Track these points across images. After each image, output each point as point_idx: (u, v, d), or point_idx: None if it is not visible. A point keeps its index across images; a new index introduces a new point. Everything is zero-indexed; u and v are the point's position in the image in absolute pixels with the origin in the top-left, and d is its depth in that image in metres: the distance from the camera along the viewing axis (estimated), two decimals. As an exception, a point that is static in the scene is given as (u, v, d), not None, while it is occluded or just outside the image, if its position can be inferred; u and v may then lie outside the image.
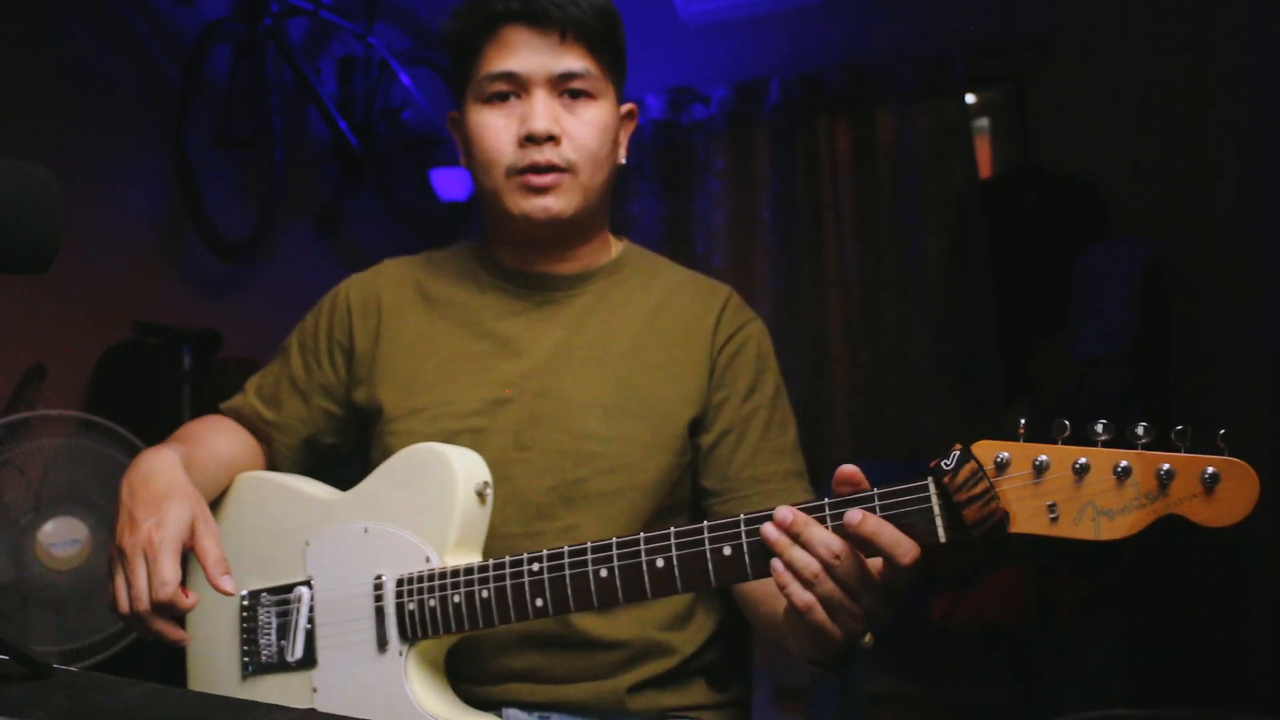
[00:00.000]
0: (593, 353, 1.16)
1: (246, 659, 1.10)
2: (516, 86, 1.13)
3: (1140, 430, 0.73)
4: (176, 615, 0.97)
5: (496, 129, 1.13)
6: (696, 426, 1.17)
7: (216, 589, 0.97)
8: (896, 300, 3.46)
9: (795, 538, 0.83)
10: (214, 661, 1.15)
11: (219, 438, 1.21)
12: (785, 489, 1.15)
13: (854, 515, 0.81)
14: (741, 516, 0.87)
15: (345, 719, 0.80)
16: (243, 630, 1.11)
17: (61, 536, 2.00)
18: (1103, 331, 2.78)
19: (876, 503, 0.82)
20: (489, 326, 1.19)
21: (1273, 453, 2.80)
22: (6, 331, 2.29)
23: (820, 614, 0.83)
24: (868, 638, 0.92)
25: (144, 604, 0.95)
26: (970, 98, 3.43)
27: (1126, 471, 0.73)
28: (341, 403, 1.23)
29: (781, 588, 0.84)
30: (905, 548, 0.81)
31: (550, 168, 1.11)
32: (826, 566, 0.82)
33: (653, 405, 1.14)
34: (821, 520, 0.84)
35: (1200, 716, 1.73)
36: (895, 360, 3.45)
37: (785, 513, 0.84)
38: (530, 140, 1.11)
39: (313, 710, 0.97)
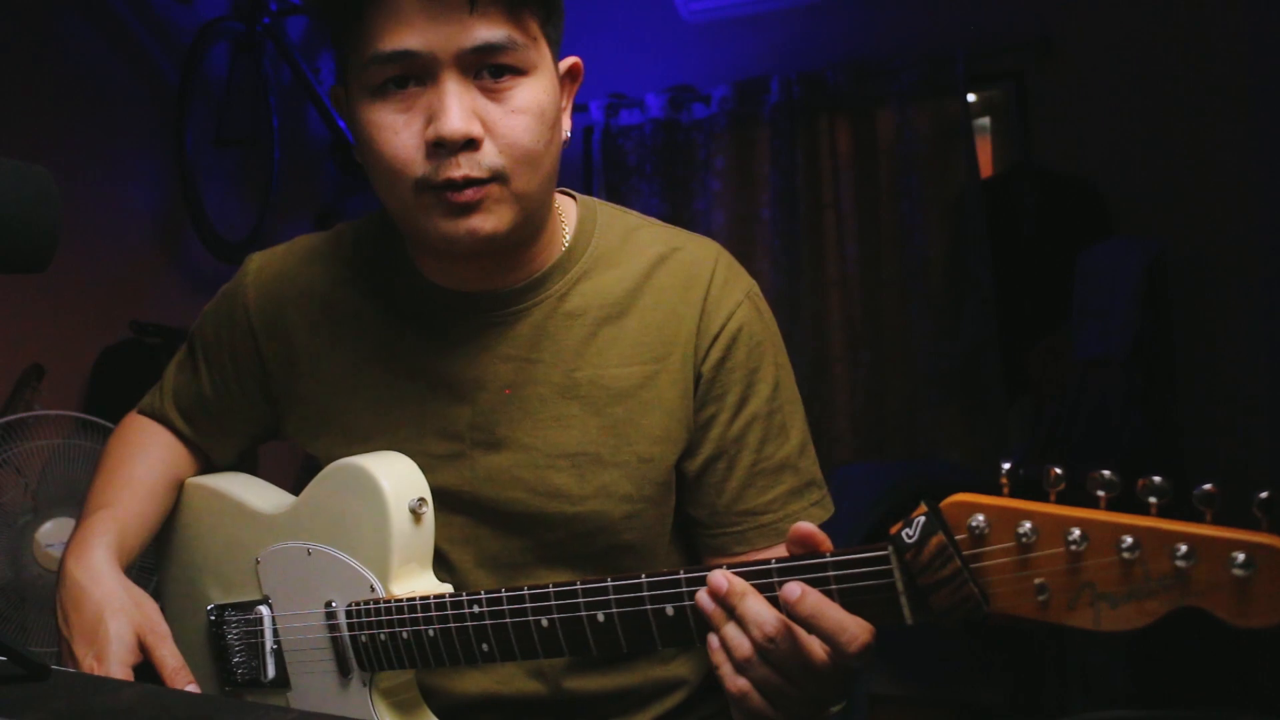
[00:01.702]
0: (551, 387, 0.96)
1: (224, 675, 1.05)
2: (416, 69, 0.85)
3: (1154, 493, 0.58)
4: None
5: (394, 129, 0.86)
6: (681, 455, 1.00)
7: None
8: (897, 300, 3.45)
9: (731, 611, 0.72)
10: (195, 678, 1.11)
11: (148, 461, 1.10)
12: (785, 515, 0.99)
13: (791, 590, 0.69)
14: (681, 574, 0.75)
15: (341, 719, 0.79)
16: (214, 648, 1.05)
17: (59, 537, 1.99)
18: (1104, 331, 2.78)
19: (831, 573, 0.69)
20: (421, 363, 0.98)
21: (1274, 453, 2.80)
22: (4, 331, 2.28)
23: (757, 700, 0.72)
24: (835, 707, 0.82)
25: None
26: (971, 97, 3.42)
27: (1133, 548, 0.58)
28: (263, 424, 1.11)
29: (715, 668, 0.73)
30: (852, 634, 0.68)
31: (470, 182, 0.85)
32: (760, 650, 0.71)
33: (631, 446, 0.96)
34: (767, 586, 0.71)
35: (1203, 717, 1.72)
36: (896, 360, 3.45)
37: (720, 579, 0.72)
38: (441, 147, 0.84)
39: (310, 712, 0.96)
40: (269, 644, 0.99)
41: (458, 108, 0.84)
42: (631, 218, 1.05)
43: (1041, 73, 3.30)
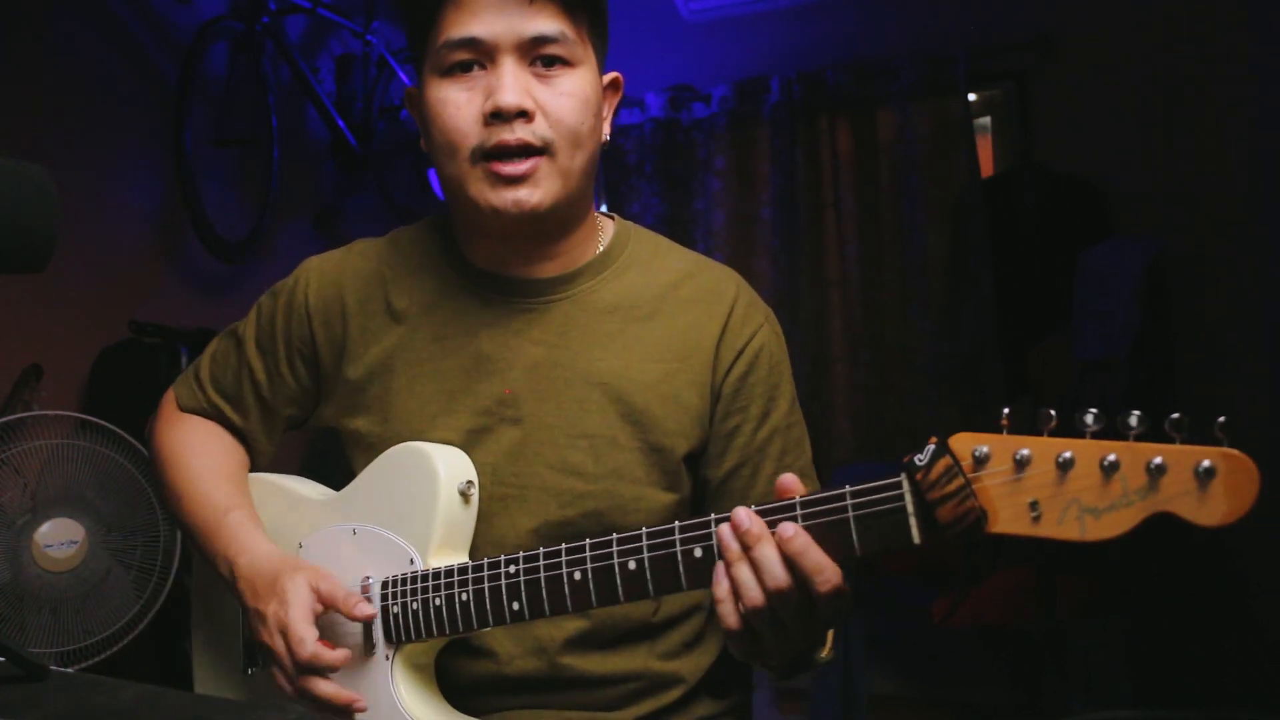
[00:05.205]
0: (576, 372, 1.03)
1: (251, 658, 1.11)
2: (480, 55, 0.97)
3: (1132, 421, 0.67)
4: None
5: (457, 104, 0.98)
6: (697, 456, 1.07)
7: (357, 619, 0.95)
8: (897, 300, 3.45)
9: (747, 550, 0.78)
10: (218, 658, 1.15)
11: (230, 457, 1.15)
12: None
13: (786, 528, 0.76)
14: (712, 516, 0.82)
15: (339, 720, 0.79)
16: (245, 627, 1.10)
17: (58, 537, 1.99)
18: (1104, 331, 2.78)
19: (849, 501, 0.77)
20: (459, 342, 1.06)
21: (1275, 452, 2.79)
22: (3, 331, 2.28)
23: (744, 638, 0.80)
24: (826, 651, 0.89)
25: (293, 674, 0.93)
26: (972, 96, 3.43)
27: (1114, 466, 0.67)
28: (307, 408, 1.16)
29: (716, 602, 0.79)
30: (825, 576, 0.76)
31: (523, 149, 0.96)
32: (770, 597, 0.77)
33: (645, 435, 1.02)
34: (792, 519, 0.78)
35: (1204, 717, 1.72)
36: (896, 360, 3.45)
37: (743, 516, 0.78)
38: (497, 117, 0.95)
39: (310, 714, 0.97)
40: None
41: (514, 84, 0.96)
42: (663, 240, 1.15)
43: (1042, 72, 3.30)
